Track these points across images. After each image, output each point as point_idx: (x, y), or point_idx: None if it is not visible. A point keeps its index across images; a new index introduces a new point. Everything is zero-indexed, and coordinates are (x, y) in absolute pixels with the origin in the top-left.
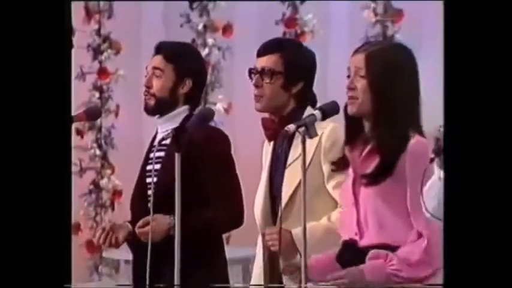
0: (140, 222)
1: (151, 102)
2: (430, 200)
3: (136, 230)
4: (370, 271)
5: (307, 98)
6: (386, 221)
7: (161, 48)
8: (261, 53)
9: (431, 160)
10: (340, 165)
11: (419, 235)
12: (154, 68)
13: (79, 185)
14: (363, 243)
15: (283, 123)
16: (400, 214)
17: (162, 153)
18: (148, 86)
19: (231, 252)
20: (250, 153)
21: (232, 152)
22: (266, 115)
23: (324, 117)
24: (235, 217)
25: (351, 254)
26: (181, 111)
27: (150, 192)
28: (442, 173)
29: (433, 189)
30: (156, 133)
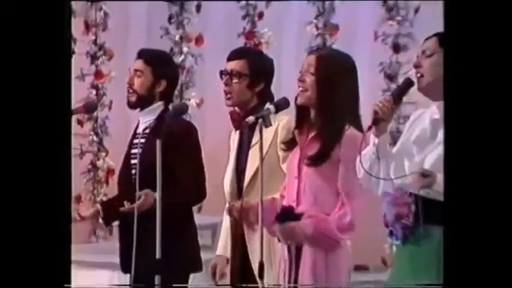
0: (139, 198)
1: (133, 98)
2: (365, 161)
3: (135, 205)
4: (307, 226)
5: (266, 95)
6: (320, 195)
7: (142, 54)
8: (230, 58)
9: (369, 128)
10: (289, 145)
11: (345, 207)
12: (136, 70)
13: (80, 165)
14: (299, 209)
15: (248, 115)
16: (332, 191)
17: (143, 140)
18: (131, 84)
19: (202, 219)
20: (217, 140)
21: (200, 140)
22: (234, 109)
23: (277, 110)
24: (198, 193)
25: (288, 216)
26: (158, 106)
27: (134, 171)
28: (376, 140)
29: (369, 152)
30: (138, 123)
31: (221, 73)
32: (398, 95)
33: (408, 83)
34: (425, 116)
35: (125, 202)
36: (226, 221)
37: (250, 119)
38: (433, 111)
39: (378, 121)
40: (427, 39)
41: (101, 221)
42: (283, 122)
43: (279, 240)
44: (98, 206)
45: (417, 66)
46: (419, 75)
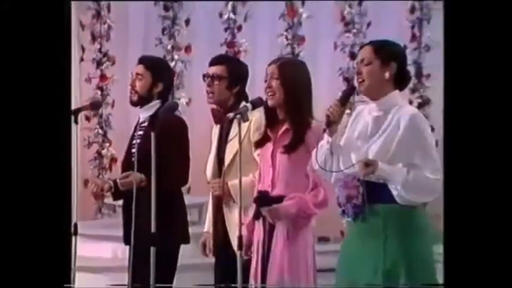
0: (122, 175)
1: (135, 97)
2: (320, 156)
3: (118, 181)
4: (290, 206)
5: (242, 95)
6: (292, 179)
7: (143, 60)
8: (212, 64)
9: (324, 130)
10: (263, 141)
11: (318, 187)
12: (137, 73)
13: (87, 154)
14: (274, 193)
15: (226, 112)
16: (302, 175)
17: (141, 132)
18: (133, 86)
19: (190, 199)
20: (203, 132)
21: (189, 134)
22: (215, 107)
23: (254, 108)
24: (183, 178)
25: (264, 200)
26: (155, 104)
27: (133, 159)
28: (329, 138)
29: (322, 148)
30: (139, 119)
31: (204, 76)
32: (344, 100)
33: (351, 89)
34: (364, 113)
35: (117, 179)
36: (211, 202)
37: (231, 115)
38: (373, 108)
39: (330, 123)
40: (361, 47)
41: (109, 196)
42: (255, 118)
43: (255, 218)
44: (111, 182)
45: (358, 73)
46: (360, 80)
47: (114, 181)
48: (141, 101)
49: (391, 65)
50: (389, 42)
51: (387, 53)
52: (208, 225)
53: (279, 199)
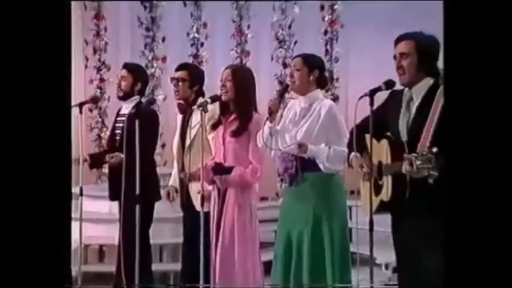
0: (110, 155)
1: (120, 93)
2: (264, 136)
3: (108, 159)
4: (235, 177)
5: (200, 92)
6: (239, 155)
7: (126, 66)
8: (177, 70)
9: (267, 119)
10: (217, 124)
11: (256, 166)
12: (122, 76)
13: (90, 136)
14: (226, 164)
15: (189, 106)
16: (246, 154)
17: (123, 118)
18: (119, 85)
19: (166, 170)
20: (173, 121)
21: (165, 120)
22: (181, 101)
23: (212, 102)
24: (154, 150)
25: (219, 168)
26: (135, 98)
27: (116, 137)
28: (270, 124)
29: (265, 131)
30: (120, 109)
31: (171, 79)
32: (280, 96)
33: (286, 87)
34: (295, 105)
35: (107, 156)
36: (175, 165)
37: (195, 107)
38: (301, 102)
39: (271, 113)
40: (293, 59)
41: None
42: (212, 109)
43: (210, 183)
44: (87, 157)
45: (291, 76)
46: (292, 81)
47: (89, 155)
48: (125, 96)
49: (314, 71)
50: (313, 55)
51: (312, 62)
52: (172, 180)
53: (230, 169)
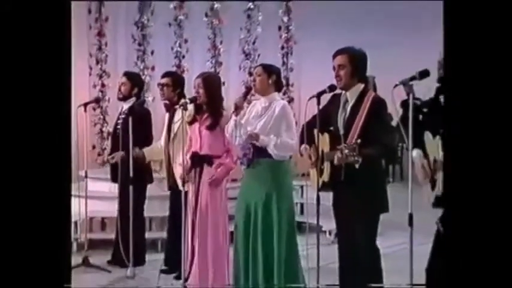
0: (110, 156)
1: (120, 96)
2: (230, 128)
3: (109, 158)
4: (221, 171)
5: (181, 95)
6: (214, 146)
7: (126, 73)
8: (162, 77)
9: (233, 113)
10: (193, 121)
11: (231, 155)
12: (122, 82)
13: (94, 129)
14: (201, 153)
15: (172, 105)
16: (220, 145)
17: (123, 116)
18: (119, 89)
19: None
20: (162, 118)
21: (153, 118)
22: (166, 102)
23: (190, 103)
24: (149, 141)
25: (197, 159)
26: (132, 100)
27: (117, 133)
28: (236, 118)
29: (231, 124)
30: (121, 108)
31: (158, 84)
32: (244, 96)
33: (249, 89)
34: (257, 104)
35: (108, 157)
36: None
37: (177, 106)
38: (262, 101)
39: (236, 109)
40: (256, 66)
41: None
42: (189, 109)
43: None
44: (122, 152)
45: (254, 81)
46: (254, 85)
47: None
48: (124, 98)
49: (272, 76)
50: (271, 64)
51: (270, 69)
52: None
53: (206, 156)
